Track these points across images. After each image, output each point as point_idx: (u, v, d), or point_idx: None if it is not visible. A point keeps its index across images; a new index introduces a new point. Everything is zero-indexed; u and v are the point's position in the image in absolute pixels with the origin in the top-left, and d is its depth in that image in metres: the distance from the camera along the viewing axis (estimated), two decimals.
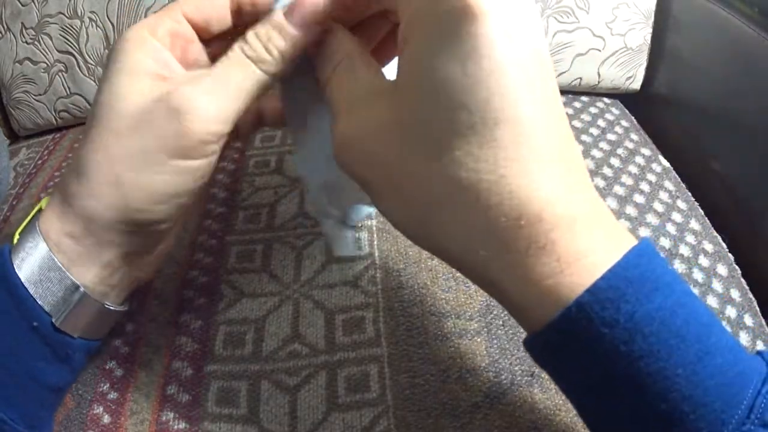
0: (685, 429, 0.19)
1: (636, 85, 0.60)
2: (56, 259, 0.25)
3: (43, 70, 0.58)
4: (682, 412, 0.19)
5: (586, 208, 0.21)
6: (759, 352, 0.22)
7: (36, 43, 0.57)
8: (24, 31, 0.57)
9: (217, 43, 0.28)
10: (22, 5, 0.57)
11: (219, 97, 0.24)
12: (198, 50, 0.27)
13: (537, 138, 0.20)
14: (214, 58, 0.26)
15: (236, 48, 0.24)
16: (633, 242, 0.21)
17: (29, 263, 0.25)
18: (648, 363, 0.19)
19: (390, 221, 0.24)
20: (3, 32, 0.58)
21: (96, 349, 0.29)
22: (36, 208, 0.27)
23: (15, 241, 0.26)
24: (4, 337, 0.25)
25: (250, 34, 0.24)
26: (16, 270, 0.25)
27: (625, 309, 0.19)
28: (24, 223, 0.27)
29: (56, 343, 0.26)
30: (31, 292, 0.25)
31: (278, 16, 0.24)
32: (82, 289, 0.26)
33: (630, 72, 0.59)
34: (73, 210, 0.25)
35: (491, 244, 0.21)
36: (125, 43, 0.25)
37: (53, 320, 0.25)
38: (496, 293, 0.22)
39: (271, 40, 0.24)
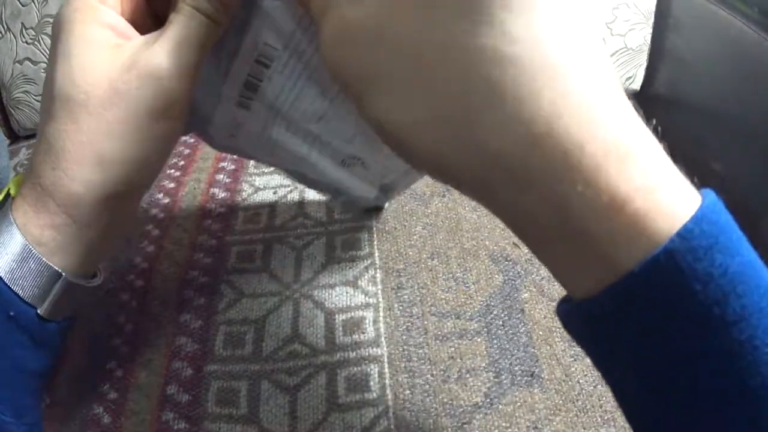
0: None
1: (636, 85, 0.60)
2: (36, 251, 0.25)
3: (43, 71, 0.58)
4: None
5: (649, 136, 0.18)
6: None
7: (36, 43, 0.57)
8: (24, 31, 0.57)
9: None
10: (22, 5, 0.57)
11: (183, 53, 0.24)
12: (143, 8, 0.27)
13: (579, 36, 0.17)
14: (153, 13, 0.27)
15: (182, 4, 0.25)
16: (694, 189, 0.17)
17: (5, 256, 0.24)
18: (741, 329, 0.16)
19: (394, 125, 0.19)
20: (3, 32, 0.58)
21: (70, 326, 0.29)
22: (2, 194, 0.27)
23: None
24: None
25: None
26: (7, 282, 0.24)
27: (719, 260, 0.16)
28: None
29: (34, 330, 0.26)
30: (9, 284, 0.24)
31: None
32: (64, 276, 0.26)
33: (630, 72, 0.59)
34: (54, 200, 0.25)
35: (559, 152, 0.17)
36: (75, 14, 0.24)
37: (38, 311, 0.25)
38: (561, 221, 0.17)
39: None
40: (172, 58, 0.24)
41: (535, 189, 0.17)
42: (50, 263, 0.25)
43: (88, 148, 0.24)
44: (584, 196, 0.17)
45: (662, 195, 0.16)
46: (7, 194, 0.26)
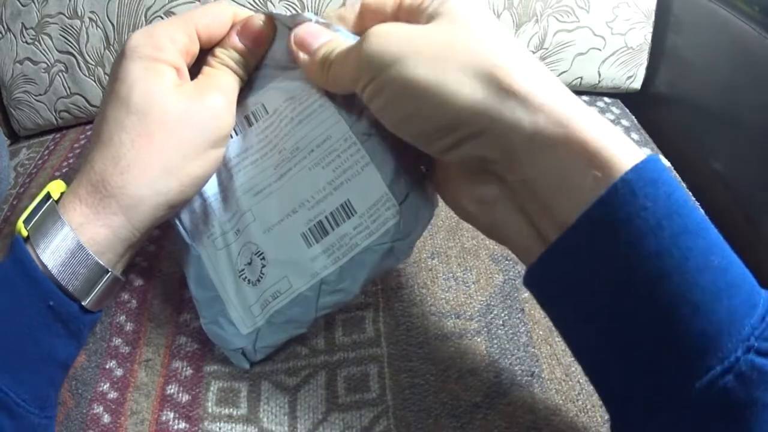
0: (722, 307, 0.20)
1: (636, 84, 0.60)
2: (89, 250, 0.28)
3: (43, 71, 0.58)
4: (719, 288, 0.21)
5: (593, 111, 0.24)
6: None
7: (36, 43, 0.57)
8: (24, 31, 0.57)
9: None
10: (22, 5, 0.57)
11: (228, 96, 0.31)
12: (188, 59, 0.32)
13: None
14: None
15: (215, 62, 0.32)
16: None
17: (57, 252, 0.27)
18: (687, 238, 0.21)
19: (396, 104, 0.26)
20: (3, 32, 0.58)
21: (99, 318, 0.32)
22: (42, 194, 0.29)
23: (20, 226, 0.28)
24: (21, 320, 0.27)
25: (218, 50, 0.32)
26: (40, 256, 0.27)
27: (663, 189, 0.21)
28: (30, 208, 0.29)
29: (71, 321, 0.28)
30: (58, 277, 0.27)
31: (233, 37, 0.32)
32: (111, 271, 0.29)
33: (630, 71, 0.59)
34: (118, 202, 0.28)
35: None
36: (149, 50, 0.29)
37: (83, 303, 0.28)
38: (528, 176, 0.24)
39: (231, 52, 0.32)
40: (224, 99, 0.31)
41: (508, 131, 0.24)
42: (100, 261, 0.28)
43: (158, 160, 0.28)
44: (566, 147, 0.22)
45: (618, 147, 0.22)
46: (47, 196, 0.29)
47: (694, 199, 0.22)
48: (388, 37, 0.26)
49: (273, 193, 0.32)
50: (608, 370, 0.24)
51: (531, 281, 0.26)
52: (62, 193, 0.30)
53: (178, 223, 0.34)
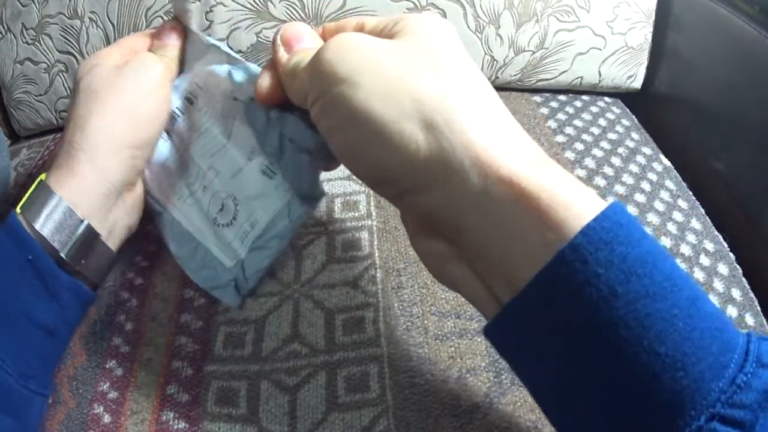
0: (687, 374, 0.19)
1: (637, 84, 0.60)
2: (65, 202, 0.31)
3: (43, 71, 0.58)
4: (684, 354, 0.19)
5: (551, 163, 0.23)
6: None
7: (36, 43, 0.57)
8: (24, 31, 0.57)
9: None
10: (22, 6, 0.57)
11: (155, 59, 0.37)
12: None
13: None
14: None
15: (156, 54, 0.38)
16: (600, 200, 0.22)
17: (36, 206, 0.31)
18: (645, 304, 0.19)
19: (333, 143, 0.26)
20: (3, 33, 0.58)
21: (88, 301, 0.34)
22: (36, 182, 0.33)
23: (21, 206, 0.31)
24: (3, 275, 0.29)
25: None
26: (25, 215, 0.30)
27: (618, 250, 0.20)
28: (29, 192, 0.32)
29: (48, 277, 0.30)
30: (34, 223, 0.30)
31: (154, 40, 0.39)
32: (86, 221, 0.32)
33: (631, 71, 0.59)
34: (82, 153, 0.33)
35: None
36: (88, 65, 0.36)
37: (61, 254, 0.31)
38: (473, 238, 0.23)
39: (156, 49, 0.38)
40: (152, 58, 0.37)
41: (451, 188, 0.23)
42: (75, 210, 0.32)
43: (107, 109, 0.34)
44: (516, 207, 0.21)
45: (575, 202, 0.20)
46: (40, 181, 0.32)
47: (662, 247, 0.21)
48: (346, 49, 0.24)
49: (228, 150, 0.37)
50: (567, 425, 0.23)
51: (488, 336, 0.24)
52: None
53: (149, 198, 0.38)
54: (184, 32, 0.39)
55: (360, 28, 0.28)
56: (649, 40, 0.58)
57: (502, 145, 0.22)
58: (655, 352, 0.19)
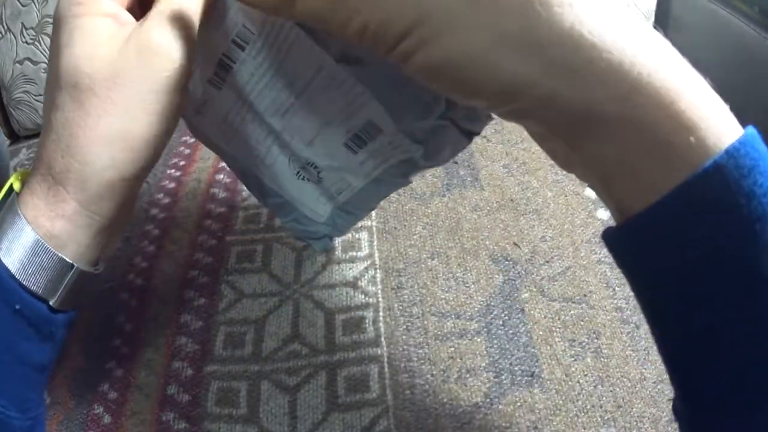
0: None
1: None
2: (48, 245, 0.25)
3: (43, 71, 0.58)
4: None
5: (691, 70, 0.19)
6: None
7: (36, 43, 0.57)
8: (24, 31, 0.57)
9: None
10: (22, 5, 0.57)
11: (174, 25, 0.25)
12: None
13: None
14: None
15: None
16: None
17: (16, 252, 0.25)
18: None
19: (458, 62, 0.20)
20: (3, 33, 0.58)
21: (75, 318, 0.29)
22: (6, 187, 0.27)
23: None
24: None
25: None
26: (2, 258, 0.25)
27: (761, 181, 0.17)
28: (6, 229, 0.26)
29: (41, 323, 0.26)
30: (21, 278, 0.25)
31: None
32: (76, 267, 0.26)
33: None
34: (65, 188, 0.25)
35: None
36: (77, 7, 0.25)
37: (50, 302, 0.26)
38: (601, 135, 0.19)
39: None
40: (165, 30, 0.25)
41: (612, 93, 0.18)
42: (63, 256, 0.26)
43: (97, 131, 0.25)
44: (657, 115, 0.18)
45: (712, 120, 0.18)
46: (10, 189, 0.27)
47: None
48: None
49: (297, 110, 0.31)
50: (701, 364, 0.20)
51: (613, 244, 0.21)
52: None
53: (221, 153, 0.35)
54: None
55: None
56: None
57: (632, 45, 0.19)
58: None
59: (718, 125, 0.18)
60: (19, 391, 0.27)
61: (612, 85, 0.18)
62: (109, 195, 0.26)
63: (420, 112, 0.28)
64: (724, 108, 0.19)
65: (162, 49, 0.25)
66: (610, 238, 0.21)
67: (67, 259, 0.26)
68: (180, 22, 0.26)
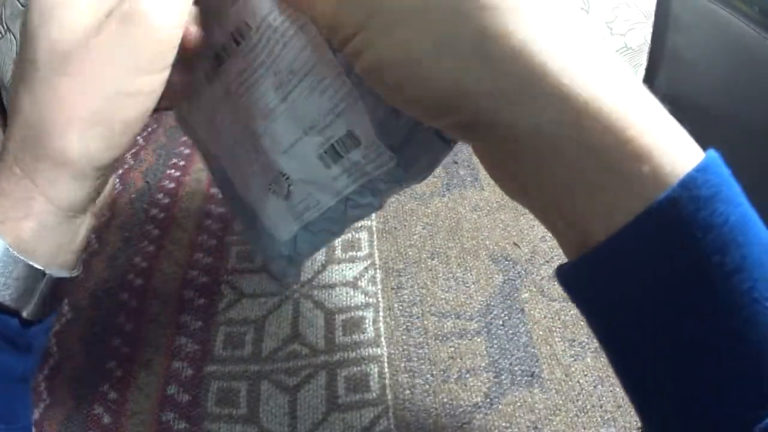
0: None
1: None
2: (17, 254, 0.23)
3: None
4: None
5: (650, 98, 0.19)
6: None
7: None
8: None
9: None
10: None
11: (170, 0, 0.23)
12: None
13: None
14: None
15: None
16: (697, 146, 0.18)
17: (8, 279, 0.23)
18: (741, 280, 0.16)
19: (400, 64, 0.20)
20: (3, 32, 0.58)
21: (53, 322, 0.27)
22: None
23: None
24: None
25: None
26: None
27: (721, 210, 0.16)
28: None
29: (17, 337, 0.24)
30: (6, 303, 0.23)
31: None
32: (47, 274, 0.24)
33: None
34: (33, 182, 0.23)
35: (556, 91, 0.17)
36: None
37: (23, 314, 0.24)
38: (552, 172, 0.18)
39: None
40: (154, 6, 0.22)
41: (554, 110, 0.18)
42: (33, 263, 0.23)
43: (69, 114, 0.22)
44: (608, 142, 0.17)
45: (668, 148, 0.17)
46: None
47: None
48: None
49: (280, 115, 0.30)
50: (654, 393, 0.20)
51: (567, 281, 0.21)
52: None
53: (203, 151, 0.35)
54: None
55: None
56: (649, 41, 0.58)
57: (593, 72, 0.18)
58: (742, 342, 0.17)
59: (675, 153, 0.17)
60: (3, 404, 0.26)
61: (560, 107, 0.18)
62: (81, 187, 0.23)
63: (395, 111, 0.27)
64: (682, 134, 0.18)
65: (146, 20, 0.22)
66: (563, 274, 0.20)
67: (38, 266, 0.23)
68: None
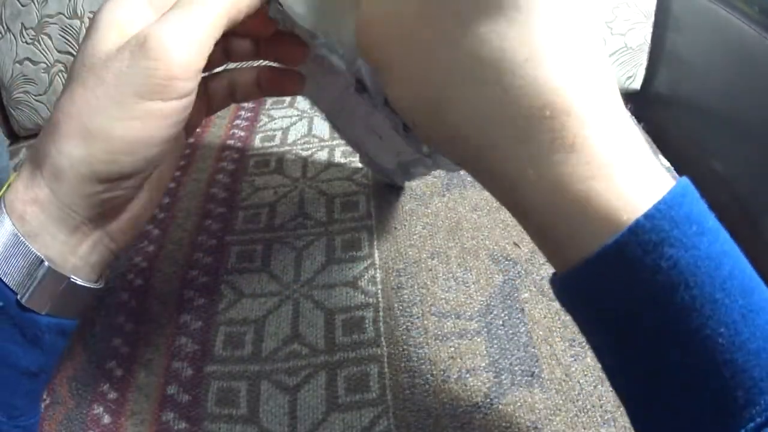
0: (720, 395, 0.18)
1: (636, 84, 0.60)
2: (19, 234, 0.24)
3: (43, 71, 0.58)
4: (721, 377, 0.18)
5: (619, 121, 0.19)
6: None
7: (36, 43, 0.57)
8: (24, 31, 0.57)
9: None
10: (22, 5, 0.57)
11: (186, 27, 0.23)
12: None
13: (571, 31, 0.19)
14: None
15: None
16: (669, 178, 0.19)
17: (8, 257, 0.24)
18: (690, 319, 0.17)
19: (403, 108, 0.23)
20: (3, 32, 0.58)
21: (72, 328, 0.28)
22: (5, 187, 0.26)
23: None
24: None
25: None
26: None
27: (669, 254, 0.17)
28: None
29: (23, 323, 0.25)
30: (8, 282, 0.24)
31: None
32: (46, 263, 0.25)
33: (630, 71, 0.59)
34: (41, 172, 0.24)
35: (510, 131, 0.19)
36: (111, 3, 0.25)
37: (18, 297, 0.24)
38: (517, 203, 0.22)
39: None
40: (173, 30, 0.23)
41: (500, 177, 0.22)
42: (32, 246, 0.24)
43: (76, 122, 0.24)
44: (538, 177, 0.19)
45: (630, 188, 0.18)
46: (9, 185, 0.26)
47: (726, 238, 0.20)
48: None
49: (384, 141, 0.37)
50: (638, 397, 0.21)
51: (554, 290, 0.22)
52: None
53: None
54: None
55: None
56: (649, 41, 0.58)
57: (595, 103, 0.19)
58: (689, 373, 0.18)
59: (634, 195, 0.18)
60: (6, 395, 0.26)
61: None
62: (83, 192, 0.24)
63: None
64: (649, 169, 0.19)
65: (157, 50, 0.23)
66: (551, 282, 0.22)
67: (35, 251, 0.24)
68: (190, 27, 0.23)
